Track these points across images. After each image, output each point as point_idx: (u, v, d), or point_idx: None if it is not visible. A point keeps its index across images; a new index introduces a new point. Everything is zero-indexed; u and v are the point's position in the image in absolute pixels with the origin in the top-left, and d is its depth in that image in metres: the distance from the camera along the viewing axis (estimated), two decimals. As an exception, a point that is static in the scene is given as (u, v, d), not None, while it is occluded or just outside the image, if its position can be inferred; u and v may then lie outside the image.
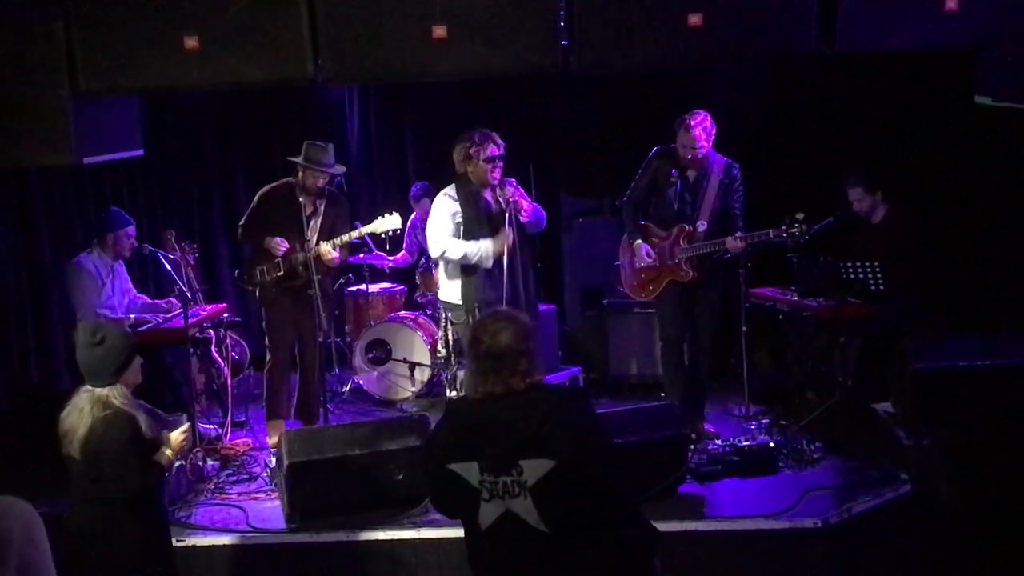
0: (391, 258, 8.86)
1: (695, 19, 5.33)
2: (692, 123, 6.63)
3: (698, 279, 6.82)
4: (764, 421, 7.05)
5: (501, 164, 6.48)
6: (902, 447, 6.05)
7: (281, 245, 7.02)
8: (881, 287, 6.73)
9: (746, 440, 6.49)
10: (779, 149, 8.69)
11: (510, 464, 3.34)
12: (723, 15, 5.36)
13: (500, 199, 6.49)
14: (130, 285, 7.55)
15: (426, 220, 6.99)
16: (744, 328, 7.12)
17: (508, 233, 6.40)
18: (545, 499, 3.32)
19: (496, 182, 6.49)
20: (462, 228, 6.57)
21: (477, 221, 6.54)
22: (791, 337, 7.48)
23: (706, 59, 5.83)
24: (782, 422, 6.97)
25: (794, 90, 8.50)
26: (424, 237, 7.47)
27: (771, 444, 6.42)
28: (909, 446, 5.99)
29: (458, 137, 6.58)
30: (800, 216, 6.50)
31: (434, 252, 6.74)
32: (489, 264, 6.48)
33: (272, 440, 7.10)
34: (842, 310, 6.79)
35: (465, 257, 6.51)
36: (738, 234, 6.65)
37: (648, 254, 6.85)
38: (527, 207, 6.52)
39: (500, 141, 6.49)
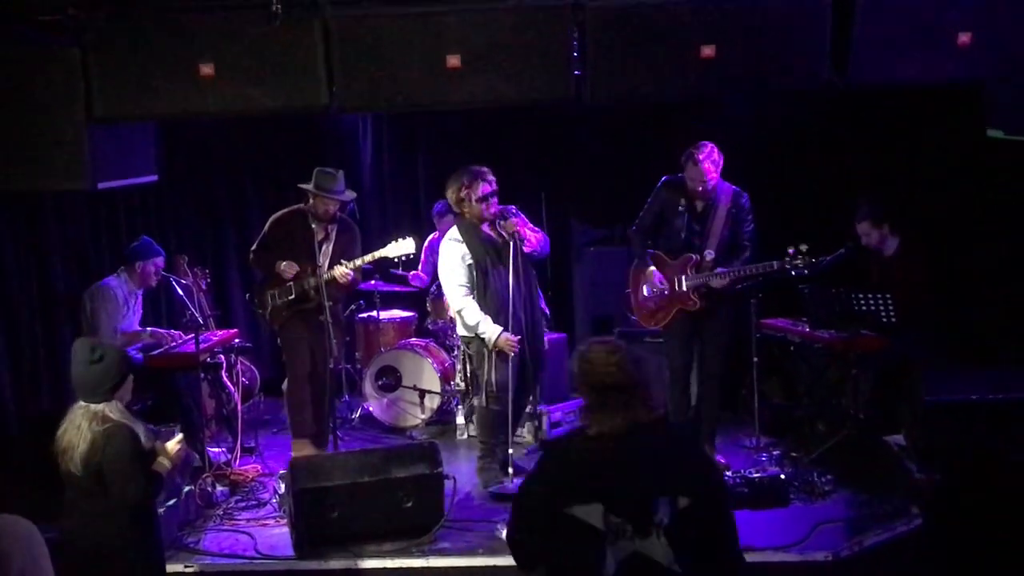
0: (410, 273, 8.84)
1: (708, 50, 5.36)
2: (700, 156, 6.62)
3: (705, 309, 6.80)
4: (775, 452, 7.02)
5: (495, 199, 6.54)
6: (914, 480, 6.02)
7: (291, 269, 7.04)
8: (893, 319, 6.70)
9: (757, 472, 6.44)
10: (791, 180, 8.67)
11: (644, 503, 3.14)
12: (736, 47, 5.38)
13: (502, 231, 6.57)
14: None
15: None
16: (755, 359, 7.11)
17: (513, 339, 6.53)
18: (680, 538, 3.14)
19: (493, 217, 6.56)
20: (473, 267, 6.62)
21: (482, 252, 6.60)
22: (802, 368, 7.45)
23: (718, 90, 5.86)
24: (793, 454, 6.94)
25: (806, 121, 8.50)
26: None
27: (782, 476, 6.38)
28: (921, 479, 5.95)
29: (449, 178, 6.66)
30: (804, 248, 6.47)
31: (452, 304, 6.82)
32: (489, 346, 6.58)
33: (295, 456, 7.08)
34: (854, 342, 6.78)
35: (476, 326, 6.58)
36: (718, 270, 6.66)
37: (660, 281, 6.85)
38: (531, 237, 6.58)
39: (491, 176, 6.56)
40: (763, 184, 8.66)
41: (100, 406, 4.39)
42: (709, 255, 6.76)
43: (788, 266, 6.50)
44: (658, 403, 3.37)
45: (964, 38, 5.34)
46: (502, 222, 6.57)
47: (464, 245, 6.63)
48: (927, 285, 7.01)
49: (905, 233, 7.25)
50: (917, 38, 5.38)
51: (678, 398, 7.02)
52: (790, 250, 6.49)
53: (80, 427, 4.35)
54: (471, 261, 6.62)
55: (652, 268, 6.89)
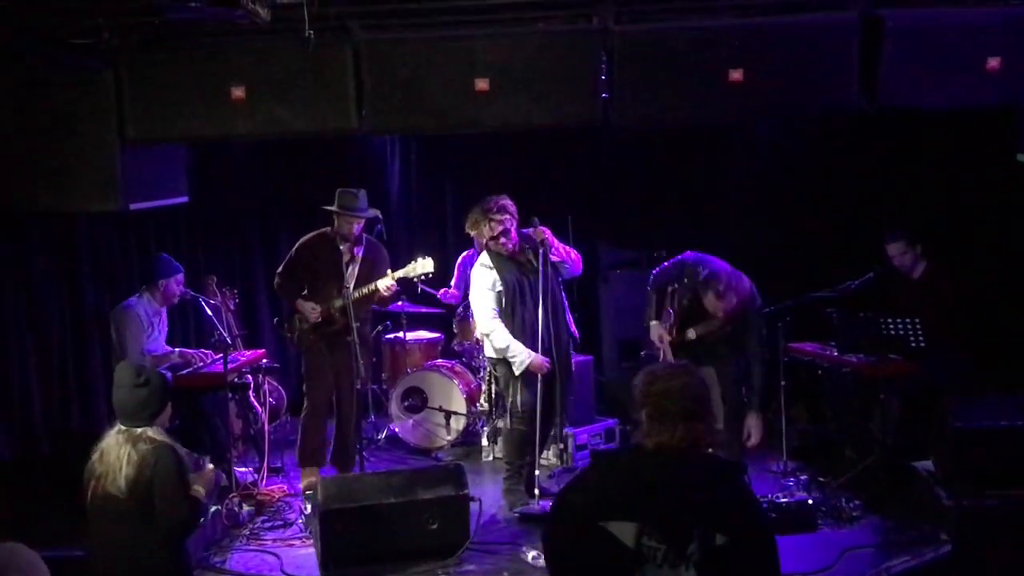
0: (441, 291, 8.84)
1: (736, 74, 5.38)
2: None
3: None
4: (802, 478, 6.96)
5: (512, 230, 6.56)
6: (942, 506, 5.97)
7: (313, 312, 7.11)
8: (922, 344, 6.67)
9: (784, 497, 6.41)
10: (817, 204, 8.66)
11: (681, 531, 3.05)
12: (764, 71, 5.40)
13: (529, 249, 6.62)
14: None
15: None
16: (783, 383, 7.08)
17: (545, 362, 6.54)
18: (709, 573, 3.03)
19: (512, 252, 6.63)
20: (504, 293, 6.66)
21: (511, 275, 6.65)
22: (830, 393, 7.41)
23: (747, 114, 5.85)
24: (821, 479, 6.89)
25: (833, 145, 8.49)
26: None
27: (809, 501, 6.34)
28: (949, 506, 5.91)
29: (466, 219, 6.71)
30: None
31: (480, 327, 6.86)
32: (519, 369, 6.60)
33: (304, 483, 7.13)
34: (882, 367, 6.74)
35: (506, 349, 6.61)
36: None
37: (660, 339, 6.84)
38: (558, 246, 6.60)
39: (500, 216, 6.53)
40: (789, 207, 8.68)
41: (141, 430, 4.40)
42: (690, 334, 6.79)
43: None
44: (711, 433, 3.27)
45: (993, 63, 5.34)
46: (531, 232, 6.59)
47: (495, 272, 6.67)
48: (955, 310, 6.97)
49: (933, 257, 7.22)
50: (946, 63, 5.38)
51: None
52: None
53: (122, 449, 4.34)
54: (501, 288, 6.66)
55: (653, 323, 6.90)
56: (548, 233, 6.58)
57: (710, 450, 3.38)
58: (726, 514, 3.07)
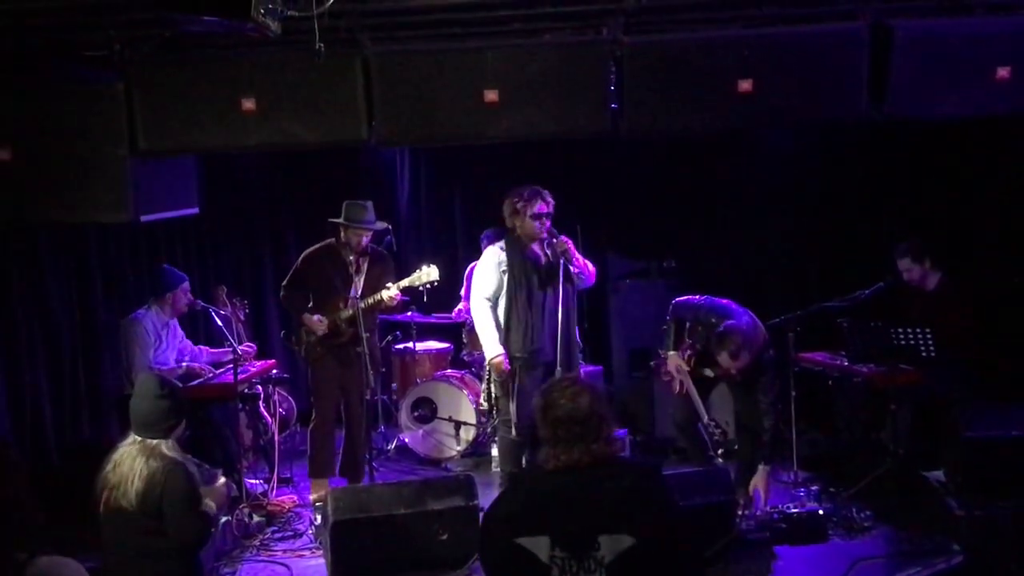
0: (455, 311, 8.85)
1: (745, 84, 5.37)
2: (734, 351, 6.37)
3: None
4: (813, 488, 6.95)
5: (548, 221, 6.57)
6: (954, 517, 5.94)
7: (320, 325, 7.12)
8: (932, 354, 6.66)
9: (795, 507, 6.39)
10: (829, 213, 8.66)
11: (588, 540, 3.14)
12: (773, 81, 5.38)
13: (549, 251, 6.66)
14: (186, 341, 7.67)
15: None
16: (793, 393, 7.07)
17: (505, 367, 6.67)
18: None
19: (543, 236, 6.62)
20: (507, 277, 6.73)
21: (523, 269, 6.69)
22: (841, 403, 7.40)
23: (756, 124, 5.86)
24: (832, 489, 6.88)
25: (844, 155, 8.49)
26: None
27: (820, 511, 6.32)
28: (961, 516, 5.88)
29: (509, 191, 6.72)
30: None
31: (472, 301, 6.95)
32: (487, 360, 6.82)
33: (314, 496, 7.13)
34: (893, 376, 6.73)
35: (481, 334, 6.78)
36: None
37: (677, 369, 6.84)
38: (579, 258, 6.65)
39: (550, 199, 6.65)
40: (799, 216, 8.68)
41: (156, 442, 4.40)
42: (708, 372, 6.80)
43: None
44: (616, 441, 3.34)
45: (1003, 72, 5.32)
46: (554, 240, 6.61)
47: (505, 255, 6.75)
48: (969, 320, 6.96)
49: (947, 269, 7.21)
50: (956, 72, 5.36)
51: (690, 442, 7.02)
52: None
53: (135, 461, 4.35)
54: (505, 269, 6.72)
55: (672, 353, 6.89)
56: (570, 244, 6.60)
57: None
58: (631, 517, 3.15)
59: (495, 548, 3.32)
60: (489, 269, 6.81)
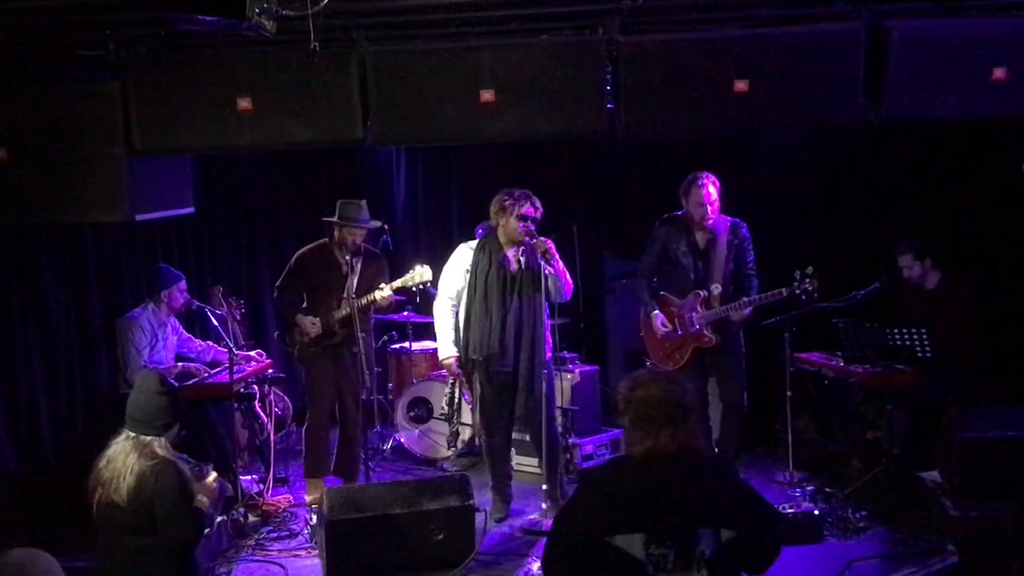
0: None
1: (741, 85, 5.38)
2: (700, 183, 6.79)
3: (720, 344, 6.90)
4: (809, 488, 6.95)
5: (533, 227, 6.54)
6: (949, 517, 5.95)
7: (313, 327, 7.12)
8: (929, 354, 6.67)
9: (790, 507, 6.39)
10: (826, 215, 8.66)
11: (687, 535, 3.11)
12: (769, 82, 5.40)
13: (524, 257, 6.65)
14: (193, 340, 7.68)
15: None
16: (789, 393, 7.07)
17: (453, 365, 6.86)
18: (723, 572, 3.12)
19: (524, 239, 6.57)
20: (469, 280, 6.71)
21: (487, 271, 6.65)
22: (836, 403, 7.39)
23: (752, 125, 5.84)
24: (827, 489, 6.88)
25: (841, 156, 8.49)
26: None
27: (816, 512, 6.32)
28: (956, 517, 5.89)
29: (500, 190, 6.71)
30: (810, 271, 6.53)
31: (436, 299, 6.98)
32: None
33: (310, 497, 7.12)
34: (888, 377, 6.74)
35: (437, 331, 6.91)
36: (743, 300, 6.77)
37: (664, 323, 6.98)
38: (559, 265, 6.55)
39: (539, 205, 6.58)
40: (798, 218, 8.68)
41: (149, 439, 4.40)
42: (716, 289, 6.88)
43: (798, 291, 6.55)
44: (701, 436, 3.31)
45: (1000, 73, 5.33)
46: (534, 241, 6.53)
47: (472, 254, 6.73)
48: (967, 320, 6.97)
49: (947, 268, 7.21)
50: (952, 73, 5.37)
51: None
52: (796, 274, 6.55)
53: (127, 458, 4.34)
54: (469, 269, 6.71)
55: (655, 312, 7.03)
56: (551, 244, 6.57)
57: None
58: (727, 509, 3.13)
59: (580, 552, 3.21)
60: (454, 268, 6.82)
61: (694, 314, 6.90)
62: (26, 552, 3.38)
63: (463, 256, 6.79)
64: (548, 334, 6.77)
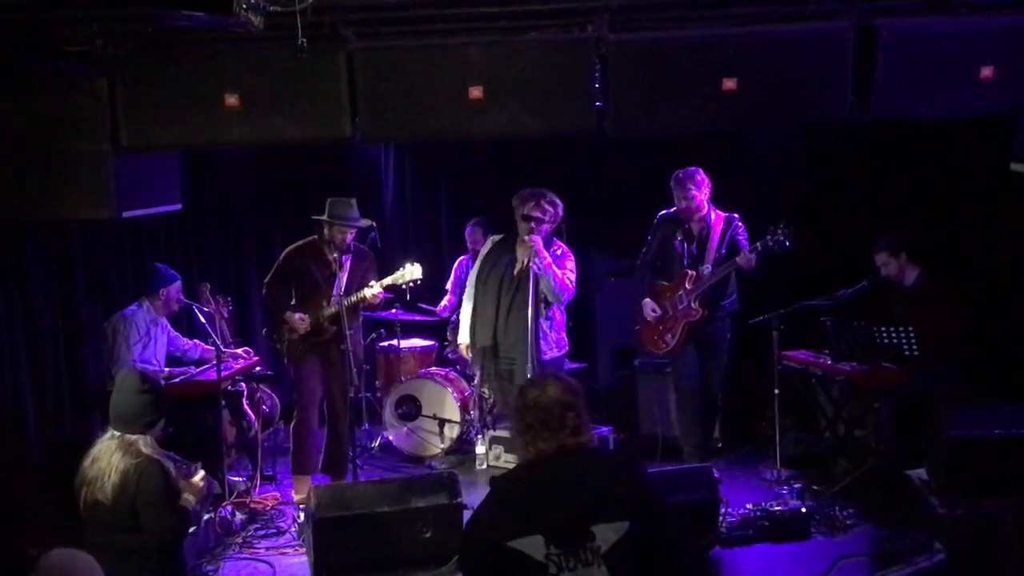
0: (439, 306, 8.91)
1: (730, 83, 5.38)
2: (682, 176, 7.14)
3: (710, 330, 7.20)
4: (796, 486, 6.97)
5: (536, 227, 6.64)
6: (936, 515, 5.96)
7: (302, 324, 7.11)
8: (915, 352, 6.69)
9: (777, 505, 6.42)
10: (814, 213, 8.67)
11: (581, 531, 3.12)
12: (758, 80, 5.40)
13: (526, 256, 6.72)
14: (181, 339, 7.65)
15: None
16: (776, 391, 7.10)
17: (463, 348, 7.29)
18: (621, 566, 3.11)
19: (528, 239, 6.65)
20: (479, 272, 7.07)
21: (494, 266, 6.95)
22: (824, 401, 7.41)
23: (740, 123, 5.86)
24: (814, 487, 6.90)
25: (830, 155, 8.50)
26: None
27: (803, 509, 6.35)
28: (943, 514, 5.90)
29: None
30: (783, 222, 6.85)
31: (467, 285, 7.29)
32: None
33: (298, 496, 7.11)
34: (876, 375, 6.75)
35: (460, 315, 7.27)
36: (745, 249, 6.99)
37: (653, 309, 7.30)
38: (545, 263, 6.65)
39: (546, 207, 6.69)
40: (783, 215, 8.67)
41: (134, 437, 4.39)
42: (706, 270, 7.15)
43: (771, 242, 6.85)
44: (589, 432, 3.35)
45: (987, 72, 5.34)
46: (526, 239, 6.67)
47: (489, 248, 7.11)
48: (950, 317, 6.98)
49: (929, 265, 7.22)
50: (940, 72, 5.38)
51: (689, 422, 7.28)
52: (769, 228, 6.85)
53: (112, 456, 4.33)
54: (482, 261, 7.05)
55: (645, 300, 7.37)
56: (538, 244, 6.63)
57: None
58: (619, 502, 3.15)
59: (485, 556, 3.23)
60: (479, 259, 7.13)
61: (682, 292, 7.16)
62: (65, 552, 3.37)
63: (485, 247, 7.14)
64: (561, 333, 7.00)
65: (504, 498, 3.30)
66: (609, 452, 3.81)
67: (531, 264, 6.60)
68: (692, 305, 7.12)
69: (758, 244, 6.91)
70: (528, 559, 3.12)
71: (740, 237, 7.19)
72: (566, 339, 7.09)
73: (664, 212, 7.39)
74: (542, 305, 6.77)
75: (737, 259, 6.96)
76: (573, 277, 6.86)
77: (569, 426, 3.28)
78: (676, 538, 3.30)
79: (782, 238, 6.79)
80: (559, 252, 6.84)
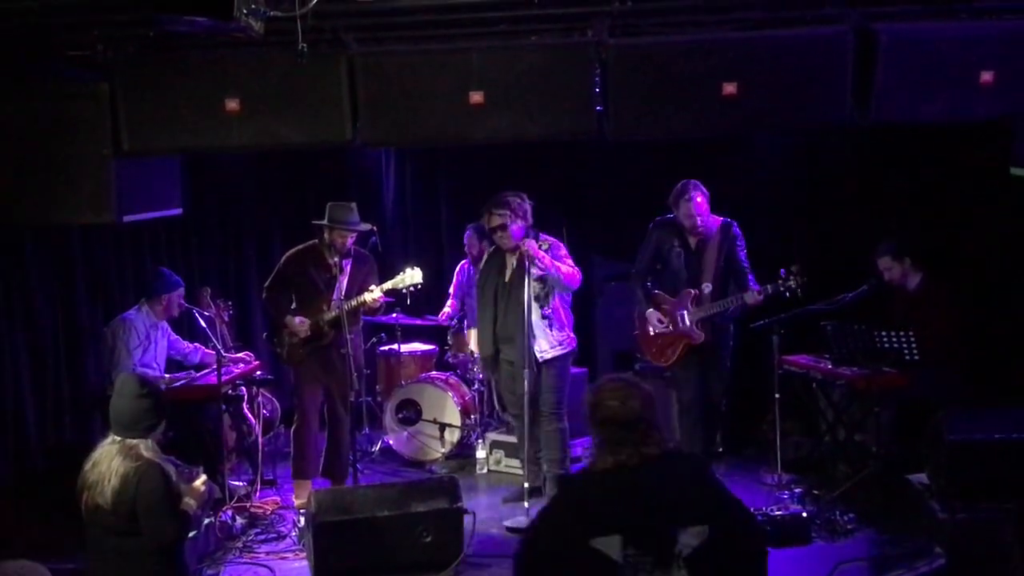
0: (441, 314, 8.92)
1: (730, 87, 5.37)
2: (688, 196, 7.04)
3: (710, 341, 7.12)
4: (797, 490, 6.96)
5: (512, 227, 6.71)
6: (937, 520, 5.95)
7: (302, 327, 7.11)
8: (916, 356, 6.68)
9: (778, 509, 6.40)
10: (815, 217, 8.67)
11: (662, 534, 3.11)
12: (758, 84, 5.39)
13: (516, 260, 6.78)
14: (177, 339, 7.64)
15: (475, 264, 7.55)
16: (777, 395, 7.09)
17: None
18: (702, 569, 3.10)
19: (511, 249, 6.80)
20: (478, 282, 7.16)
21: (490, 271, 7.02)
22: (824, 405, 7.41)
23: (740, 127, 5.86)
24: (815, 491, 6.89)
25: (830, 159, 8.51)
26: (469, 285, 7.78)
27: (804, 514, 6.33)
28: (944, 519, 5.89)
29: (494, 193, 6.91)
30: (795, 268, 6.79)
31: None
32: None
33: (298, 500, 7.10)
34: (876, 379, 6.74)
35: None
36: (755, 288, 6.96)
37: (659, 320, 7.23)
38: (544, 262, 6.68)
39: (504, 202, 6.71)
40: (786, 220, 8.69)
41: (135, 441, 4.38)
42: (707, 288, 7.11)
43: (782, 288, 6.82)
44: (667, 436, 3.36)
45: (987, 76, 5.34)
46: (522, 247, 6.70)
47: (484, 262, 7.13)
48: (951, 321, 6.98)
49: (929, 269, 7.22)
50: (940, 76, 5.37)
51: (690, 430, 7.27)
52: (781, 271, 6.82)
53: (113, 461, 4.33)
54: (477, 275, 7.18)
55: (649, 311, 7.27)
56: (532, 247, 6.63)
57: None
58: (703, 507, 3.14)
59: (556, 557, 3.19)
60: (479, 271, 7.20)
61: (685, 312, 7.11)
62: (21, 565, 3.36)
63: (484, 259, 7.20)
64: (565, 331, 7.00)
65: (580, 497, 3.28)
66: (687, 455, 3.78)
67: (532, 269, 6.60)
68: (695, 329, 7.10)
69: (768, 287, 6.89)
70: (604, 559, 3.10)
71: (739, 248, 7.16)
72: (573, 336, 7.06)
73: (660, 219, 7.37)
74: (537, 305, 6.78)
75: (745, 297, 6.96)
76: (571, 262, 6.92)
77: (654, 438, 3.26)
78: (758, 541, 3.31)
79: (794, 286, 6.79)
80: (546, 247, 6.81)
